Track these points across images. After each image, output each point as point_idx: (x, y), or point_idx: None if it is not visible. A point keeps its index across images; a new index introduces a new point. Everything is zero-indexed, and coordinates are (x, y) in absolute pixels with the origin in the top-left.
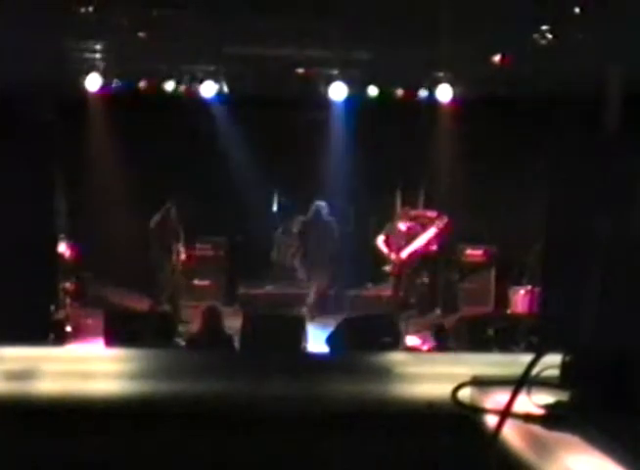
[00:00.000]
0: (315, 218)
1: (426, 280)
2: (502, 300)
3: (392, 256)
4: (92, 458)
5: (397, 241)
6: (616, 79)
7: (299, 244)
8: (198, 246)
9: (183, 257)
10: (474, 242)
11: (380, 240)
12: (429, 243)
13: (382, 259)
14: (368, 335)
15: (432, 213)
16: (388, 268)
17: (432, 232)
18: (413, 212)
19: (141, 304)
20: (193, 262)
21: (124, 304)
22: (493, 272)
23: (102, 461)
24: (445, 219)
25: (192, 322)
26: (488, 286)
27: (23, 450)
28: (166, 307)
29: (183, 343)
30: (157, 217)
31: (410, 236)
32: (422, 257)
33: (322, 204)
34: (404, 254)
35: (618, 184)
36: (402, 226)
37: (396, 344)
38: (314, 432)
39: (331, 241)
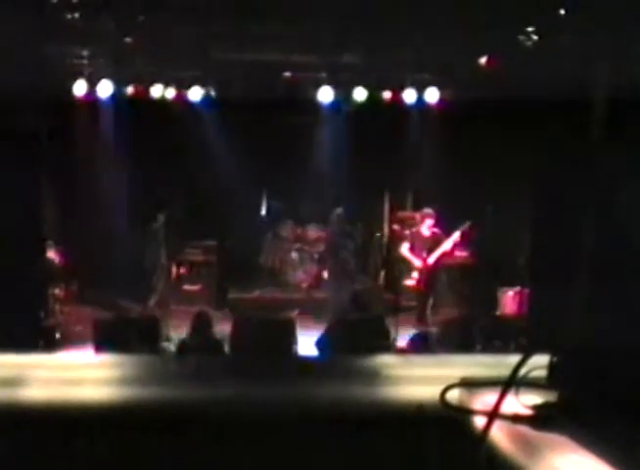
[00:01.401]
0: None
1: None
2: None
3: (418, 263)
4: (82, 465)
5: (422, 247)
6: (601, 81)
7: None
8: (187, 251)
9: (171, 261)
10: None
11: (404, 248)
12: (455, 248)
13: (401, 271)
14: (358, 338)
15: (420, 215)
16: (411, 283)
17: (456, 236)
18: (401, 215)
19: (130, 309)
20: (184, 268)
21: (113, 309)
22: (481, 273)
23: (91, 468)
24: (468, 223)
25: (182, 327)
26: (476, 287)
27: (11, 458)
28: (157, 312)
29: (173, 348)
30: (158, 223)
31: (434, 241)
32: (460, 265)
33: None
34: (431, 259)
35: (605, 185)
36: (426, 232)
37: (386, 346)
38: (304, 435)
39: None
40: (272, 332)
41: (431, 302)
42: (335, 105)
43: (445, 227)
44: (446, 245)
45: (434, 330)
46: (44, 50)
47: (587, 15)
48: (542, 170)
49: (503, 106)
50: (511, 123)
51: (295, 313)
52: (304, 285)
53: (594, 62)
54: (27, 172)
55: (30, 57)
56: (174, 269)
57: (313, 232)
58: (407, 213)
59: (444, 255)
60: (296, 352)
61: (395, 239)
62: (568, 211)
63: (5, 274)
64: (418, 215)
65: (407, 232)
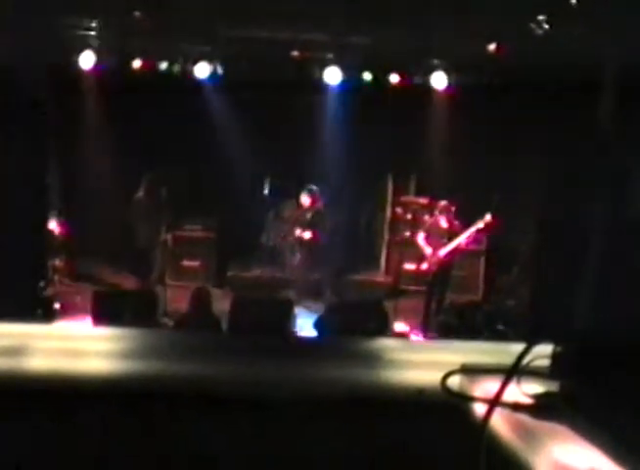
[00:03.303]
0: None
1: None
2: (491, 287)
3: (429, 252)
4: (80, 436)
5: (437, 238)
6: (612, 68)
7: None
8: (187, 227)
9: (170, 237)
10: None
11: (420, 238)
12: (476, 240)
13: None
14: (356, 320)
15: (424, 200)
16: (411, 267)
17: (474, 229)
18: (405, 199)
19: (129, 282)
20: (181, 243)
21: (113, 282)
22: (483, 260)
23: (90, 439)
24: (489, 217)
25: (180, 303)
26: (477, 273)
27: (11, 428)
28: (155, 287)
29: (171, 323)
30: (140, 193)
31: (452, 233)
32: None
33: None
34: (443, 252)
35: (613, 172)
36: (444, 223)
37: (384, 329)
38: (302, 416)
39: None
40: (270, 312)
41: (438, 289)
42: (342, 86)
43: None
44: (461, 239)
45: (440, 316)
46: (51, 21)
47: (598, 2)
48: (551, 157)
49: (512, 92)
50: (520, 110)
51: (293, 294)
52: (304, 266)
53: (605, 50)
54: (31, 143)
55: (37, 27)
56: (173, 244)
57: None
58: (410, 198)
59: (457, 249)
60: (294, 333)
61: (398, 222)
62: (575, 198)
63: (6, 243)
64: (421, 200)
65: (409, 216)
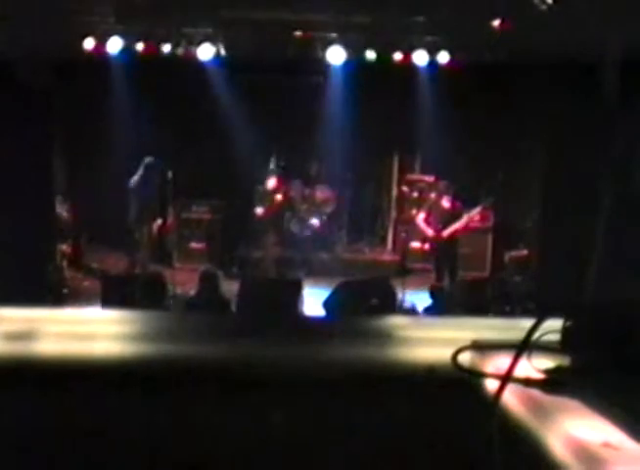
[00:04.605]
0: None
1: None
2: (498, 264)
3: (431, 233)
4: (90, 419)
5: (438, 219)
6: (615, 45)
7: None
8: (194, 208)
9: (166, 220)
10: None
11: (420, 218)
12: (482, 218)
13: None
14: (365, 298)
15: (429, 178)
16: (417, 245)
17: (476, 210)
18: (410, 177)
19: (134, 266)
20: (188, 225)
21: (120, 266)
22: (490, 237)
23: (100, 422)
24: (490, 200)
25: (188, 285)
26: (485, 251)
27: (21, 411)
28: (163, 269)
29: (180, 305)
30: (136, 177)
31: (454, 214)
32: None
33: None
34: (445, 233)
35: (618, 147)
36: (446, 203)
37: (393, 307)
38: (313, 396)
39: None
40: (279, 292)
41: (447, 266)
42: (345, 65)
43: (457, 194)
44: (462, 222)
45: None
46: (55, 5)
47: None
48: (555, 133)
49: (515, 69)
50: (524, 87)
51: (302, 274)
52: (312, 246)
53: (609, 25)
54: (38, 128)
55: (42, 11)
56: (178, 227)
57: (321, 193)
58: (416, 176)
59: (458, 230)
60: (303, 313)
61: (404, 201)
62: (581, 172)
63: (14, 229)
64: (427, 178)
65: (415, 194)
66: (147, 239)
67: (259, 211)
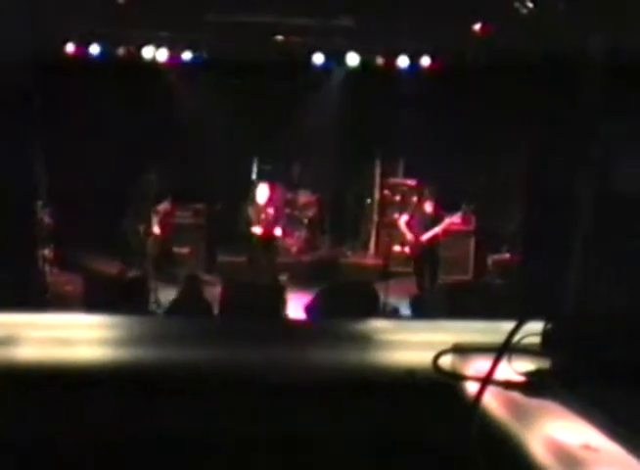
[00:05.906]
0: None
1: None
2: (481, 268)
3: (412, 237)
4: (74, 424)
5: (420, 223)
6: (596, 48)
7: None
8: (178, 213)
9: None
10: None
11: (402, 220)
12: (464, 221)
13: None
14: (347, 302)
15: (412, 182)
16: (399, 248)
17: (458, 215)
18: (393, 181)
19: (117, 270)
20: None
21: (102, 270)
22: (473, 240)
23: (84, 426)
24: (471, 206)
25: (171, 289)
26: (467, 254)
27: (5, 415)
28: (146, 274)
29: (162, 310)
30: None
31: (436, 218)
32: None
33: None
34: (425, 237)
35: (600, 150)
36: (428, 207)
37: (376, 311)
38: (295, 398)
39: None
40: (262, 296)
41: (428, 270)
42: (327, 69)
43: (439, 198)
44: (442, 225)
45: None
46: (36, 8)
47: None
48: (538, 135)
49: (497, 72)
50: (506, 90)
51: (284, 278)
52: (294, 250)
53: (590, 29)
54: (17, 132)
55: (21, 15)
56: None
57: (304, 197)
58: (398, 180)
59: (438, 234)
60: (286, 317)
61: (386, 205)
62: (563, 176)
63: None
64: (409, 182)
65: (397, 198)
66: (130, 243)
67: (257, 230)
